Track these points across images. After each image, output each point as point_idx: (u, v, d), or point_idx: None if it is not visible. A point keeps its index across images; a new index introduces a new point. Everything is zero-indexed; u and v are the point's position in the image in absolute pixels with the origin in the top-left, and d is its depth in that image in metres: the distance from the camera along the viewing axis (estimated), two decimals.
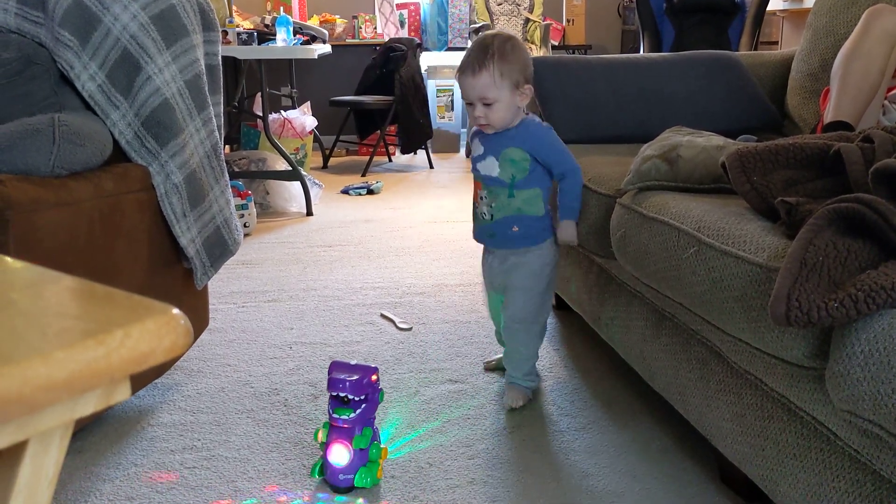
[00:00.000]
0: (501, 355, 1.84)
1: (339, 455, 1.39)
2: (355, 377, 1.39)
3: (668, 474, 1.46)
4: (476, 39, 1.63)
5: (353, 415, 1.39)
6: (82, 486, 1.43)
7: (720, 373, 1.31)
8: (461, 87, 1.60)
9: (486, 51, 1.56)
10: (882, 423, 0.86)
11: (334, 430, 1.40)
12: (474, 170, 1.69)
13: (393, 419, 1.68)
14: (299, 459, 1.52)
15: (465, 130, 5.69)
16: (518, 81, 1.58)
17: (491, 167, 1.64)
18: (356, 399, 1.39)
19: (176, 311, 0.50)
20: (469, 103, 1.61)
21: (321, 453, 1.47)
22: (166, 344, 0.48)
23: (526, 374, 1.74)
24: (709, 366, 1.34)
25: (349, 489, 1.40)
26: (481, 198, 1.69)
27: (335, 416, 1.40)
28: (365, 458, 1.41)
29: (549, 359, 2.00)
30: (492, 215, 1.67)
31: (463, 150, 5.75)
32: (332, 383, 1.39)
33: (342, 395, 1.39)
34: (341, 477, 1.39)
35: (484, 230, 1.71)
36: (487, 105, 1.57)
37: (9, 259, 0.62)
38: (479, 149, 1.67)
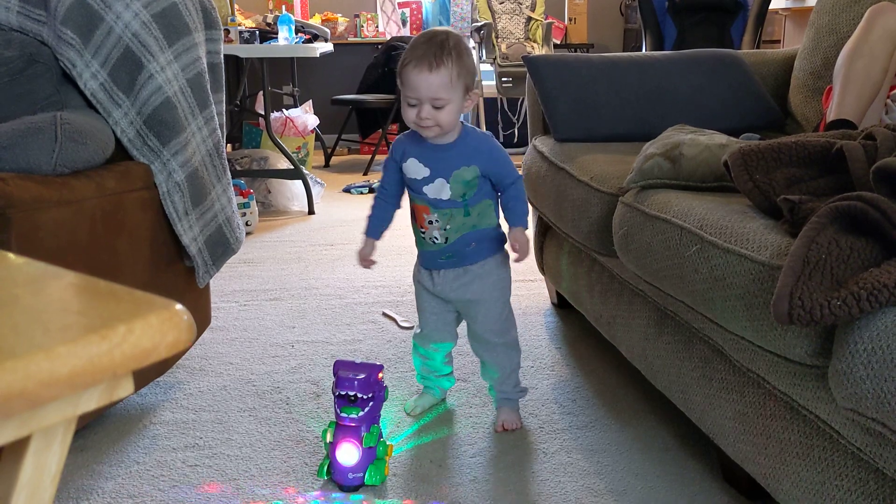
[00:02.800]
0: (421, 396, 1.73)
1: (349, 454, 1.38)
2: (363, 375, 1.39)
3: (671, 473, 1.46)
4: (426, 34, 1.46)
5: (360, 413, 1.39)
6: (84, 483, 1.44)
7: (722, 371, 1.31)
8: (411, 83, 1.41)
9: (443, 47, 1.41)
10: (885, 421, 0.86)
11: (342, 430, 1.40)
12: (419, 194, 1.51)
13: (395, 417, 1.68)
14: (301, 458, 1.52)
15: None
16: (469, 85, 1.45)
17: (440, 190, 1.49)
18: (364, 397, 1.39)
19: (179, 306, 0.50)
20: (412, 104, 1.43)
21: (324, 452, 1.47)
22: (169, 339, 0.48)
23: (515, 385, 1.66)
24: (711, 364, 1.34)
25: (358, 487, 1.40)
26: (430, 222, 1.53)
27: (343, 415, 1.39)
28: (373, 455, 1.41)
29: (550, 357, 2.00)
30: (446, 238, 1.53)
31: None
32: (340, 382, 1.39)
33: (350, 393, 1.38)
34: (350, 476, 1.39)
35: (436, 255, 1.56)
36: (438, 107, 1.41)
37: (11, 255, 0.62)
38: (421, 171, 1.50)
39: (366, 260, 1.62)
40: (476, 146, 1.50)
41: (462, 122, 1.52)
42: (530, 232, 1.59)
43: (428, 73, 1.40)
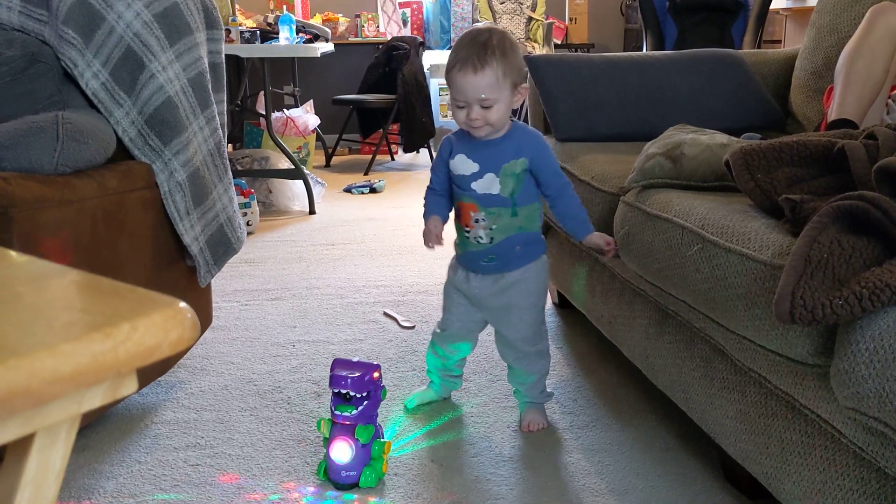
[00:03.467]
0: (425, 390, 1.73)
1: (342, 452, 1.39)
2: (357, 374, 1.39)
3: (672, 472, 1.46)
4: (469, 34, 1.46)
5: (354, 412, 1.39)
6: (86, 483, 1.44)
7: (724, 370, 1.31)
8: (458, 86, 1.42)
9: (487, 47, 1.41)
10: (887, 421, 0.86)
11: (336, 427, 1.40)
12: (467, 191, 1.50)
13: (396, 417, 1.68)
14: (302, 457, 1.52)
15: None
16: (516, 81, 1.45)
17: (490, 185, 1.48)
18: (358, 396, 1.39)
19: (182, 304, 0.50)
20: (461, 105, 1.43)
21: (325, 451, 1.47)
22: (173, 337, 0.48)
23: (542, 390, 1.66)
24: (712, 363, 1.34)
25: (352, 486, 1.40)
26: (476, 221, 1.51)
27: (337, 412, 1.40)
28: (368, 455, 1.41)
29: (551, 357, 2.00)
30: (491, 238, 1.51)
31: None
32: (334, 380, 1.39)
33: (344, 391, 1.39)
34: (344, 474, 1.39)
35: (479, 256, 1.54)
36: (486, 107, 1.42)
37: (14, 253, 0.62)
38: (469, 166, 1.49)
39: (435, 237, 1.54)
40: (525, 139, 1.49)
41: (512, 119, 1.51)
42: None
43: (473, 76, 1.40)
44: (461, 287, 1.60)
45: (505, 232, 1.51)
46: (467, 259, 1.57)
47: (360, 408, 1.40)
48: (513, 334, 1.59)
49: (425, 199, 1.60)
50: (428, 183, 1.60)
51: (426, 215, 1.58)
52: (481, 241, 1.52)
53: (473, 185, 1.50)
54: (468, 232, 1.53)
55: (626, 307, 1.69)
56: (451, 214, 1.59)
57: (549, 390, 1.68)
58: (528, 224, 1.53)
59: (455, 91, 1.43)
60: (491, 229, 1.51)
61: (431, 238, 1.55)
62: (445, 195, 1.57)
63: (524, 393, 1.65)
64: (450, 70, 1.43)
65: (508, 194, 1.48)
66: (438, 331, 1.68)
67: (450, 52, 1.46)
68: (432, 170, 1.59)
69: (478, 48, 1.41)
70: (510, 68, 1.42)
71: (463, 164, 1.50)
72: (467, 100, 1.42)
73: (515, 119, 1.53)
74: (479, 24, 1.62)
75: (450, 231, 1.56)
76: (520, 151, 1.48)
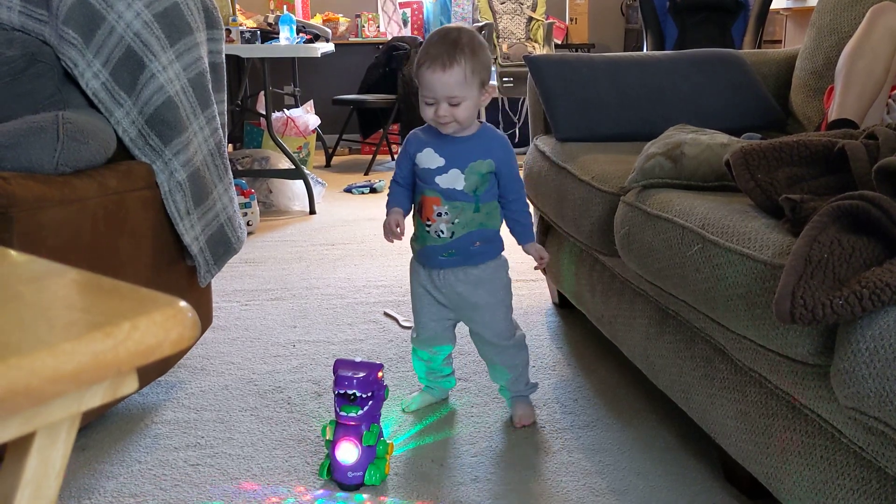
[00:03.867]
0: (422, 394, 1.74)
1: (348, 453, 1.39)
2: (362, 374, 1.39)
3: (672, 472, 1.46)
4: (439, 32, 1.48)
5: (360, 412, 1.39)
6: (86, 482, 1.44)
7: (724, 370, 1.31)
8: (427, 83, 1.44)
9: (457, 46, 1.43)
10: (887, 420, 0.86)
11: (341, 428, 1.40)
12: (430, 184, 1.52)
13: (397, 417, 1.68)
14: (303, 457, 1.52)
15: None
16: (484, 80, 1.47)
17: (454, 180, 1.50)
18: (363, 396, 1.39)
19: (183, 303, 0.50)
20: (430, 102, 1.45)
21: (326, 451, 1.47)
22: (173, 336, 0.48)
23: (527, 382, 1.68)
24: (713, 363, 1.34)
25: (358, 486, 1.40)
26: (439, 214, 1.52)
27: (342, 413, 1.39)
28: (373, 454, 1.41)
29: (552, 357, 2.00)
30: (452, 232, 1.52)
31: None
32: (340, 381, 1.39)
33: (349, 392, 1.39)
34: (350, 475, 1.39)
35: (437, 250, 1.54)
36: (454, 104, 1.44)
37: (14, 253, 0.62)
38: (435, 160, 1.51)
39: (394, 230, 1.55)
40: (494, 142, 1.53)
41: (480, 121, 1.54)
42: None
43: (442, 73, 1.42)
44: (428, 288, 1.61)
45: (466, 227, 1.52)
46: (425, 255, 1.58)
47: (365, 408, 1.40)
48: (487, 332, 1.61)
49: (389, 190, 1.62)
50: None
51: (388, 206, 1.60)
52: (442, 235, 1.53)
53: (437, 179, 1.51)
54: (429, 226, 1.54)
55: (627, 307, 1.69)
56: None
57: (534, 385, 1.70)
58: (489, 221, 1.55)
59: (424, 88, 1.45)
60: (453, 223, 1.52)
61: (390, 231, 1.56)
62: (409, 188, 1.59)
63: (509, 388, 1.66)
64: (419, 67, 1.45)
65: (471, 191, 1.51)
66: (415, 335, 1.68)
67: (420, 49, 1.49)
68: (397, 163, 1.60)
69: (447, 46, 1.43)
70: (478, 67, 1.45)
71: (429, 158, 1.52)
72: (436, 97, 1.44)
73: (485, 122, 1.57)
74: (450, 24, 1.64)
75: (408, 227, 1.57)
76: (488, 153, 1.51)
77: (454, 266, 1.56)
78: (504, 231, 1.60)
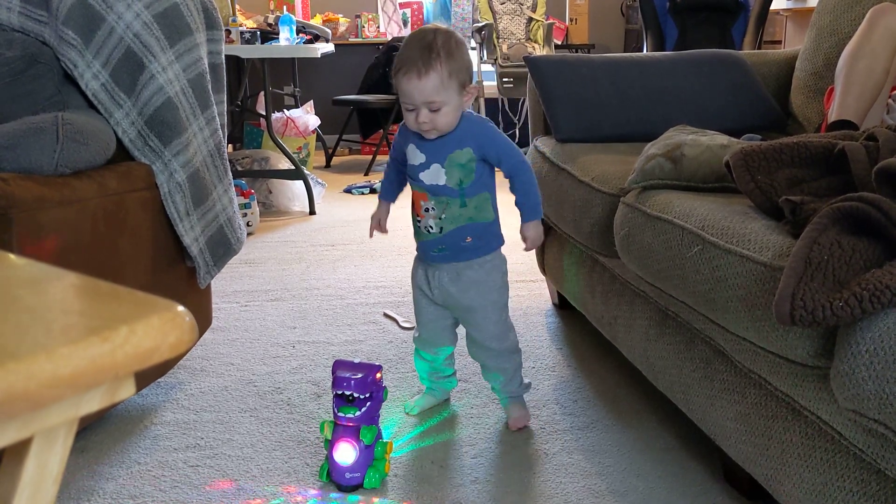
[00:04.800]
0: (424, 396, 1.73)
1: (346, 453, 1.39)
2: (360, 375, 1.39)
3: (672, 473, 1.46)
4: (415, 35, 1.45)
5: (358, 413, 1.39)
6: (85, 484, 1.44)
7: (724, 372, 1.31)
8: (404, 90, 1.41)
9: (431, 49, 1.39)
10: (887, 423, 0.86)
11: (339, 429, 1.40)
12: (416, 180, 1.51)
13: (396, 418, 1.68)
14: (302, 458, 1.52)
15: None
16: (465, 81, 1.44)
17: (436, 175, 1.48)
18: (361, 397, 1.39)
19: (180, 307, 0.50)
20: (410, 109, 1.43)
21: (325, 453, 1.47)
22: (171, 340, 0.48)
23: (520, 383, 1.66)
24: (713, 365, 1.34)
25: (356, 488, 1.40)
26: (426, 210, 1.51)
27: (340, 414, 1.39)
28: (371, 456, 1.41)
29: (551, 358, 2.00)
30: (441, 228, 1.50)
31: None
32: (337, 382, 1.39)
33: (347, 393, 1.39)
34: (348, 475, 1.39)
35: (430, 245, 1.54)
36: (434, 110, 1.42)
37: (12, 256, 0.62)
38: (417, 157, 1.49)
39: (378, 224, 1.60)
40: (468, 129, 1.48)
41: (462, 114, 1.49)
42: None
43: (418, 80, 1.39)
44: (424, 290, 1.61)
45: (454, 222, 1.51)
46: (422, 250, 1.59)
47: (363, 409, 1.40)
48: (480, 334, 1.60)
49: (385, 173, 1.65)
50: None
51: (380, 197, 1.65)
52: (431, 230, 1.52)
53: (421, 176, 1.50)
54: (420, 221, 1.54)
55: (627, 308, 1.69)
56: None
57: (526, 382, 1.69)
58: (478, 214, 1.52)
59: (402, 95, 1.43)
60: (440, 219, 1.51)
61: (376, 227, 1.60)
62: (401, 170, 1.59)
63: (502, 390, 1.66)
64: (396, 74, 1.43)
65: (455, 185, 1.48)
66: (417, 335, 1.68)
67: (397, 53, 1.46)
68: (392, 146, 1.60)
69: (422, 50, 1.40)
70: (456, 69, 1.42)
71: (413, 154, 1.51)
72: (414, 104, 1.42)
73: (467, 112, 1.52)
74: (427, 25, 1.60)
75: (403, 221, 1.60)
76: (462, 141, 1.47)
77: (446, 262, 1.55)
78: (507, 225, 1.59)
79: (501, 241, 1.59)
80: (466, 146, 1.47)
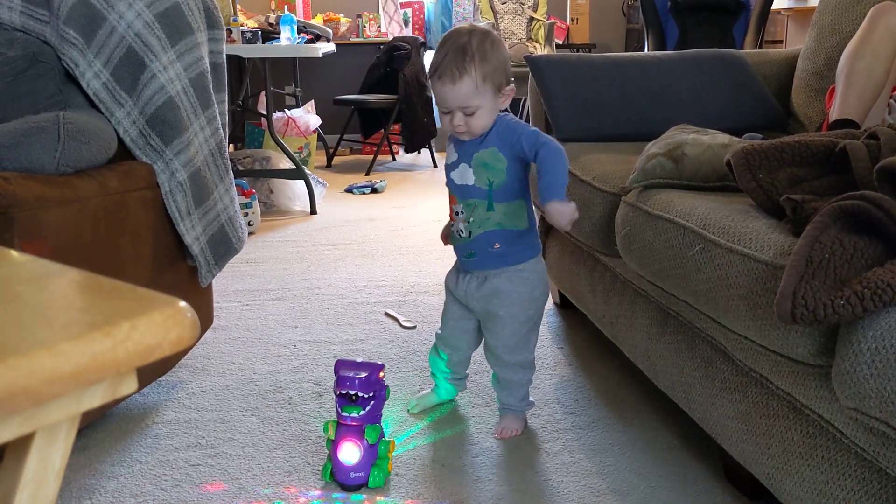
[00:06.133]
0: (427, 394, 1.72)
1: (350, 453, 1.38)
2: (364, 375, 1.39)
3: (673, 472, 1.46)
4: (450, 36, 1.44)
5: (362, 412, 1.39)
6: (86, 483, 1.44)
7: (725, 371, 1.31)
8: (438, 94, 1.42)
9: (465, 52, 1.38)
10: (888, 421, 0.86)
11: (343, 429, 1.40)
12: (448, 180, 1.51)
13: (398, 417, 1.68)
14: (303, 457, 1.52)
15: None
16: (500, 84, 1.42)
17: (464, 175, 1.48)
18: (365, 396, 1.39)
19: (182, 303, 0.50)
20: (446, 112, 1.43)
21: (327, 452, 1.47)
22: (173, 336, 0.48)
23: (522, 398, 1.62)
24: (714, 364, 1.34)
25: (360, 487, 1.40)
26: (457, 213, 1.51)
27: (344, 414, 1.39)
28: (374, 455, 1.41)
29: (553, 357, 2.00)
30: (469, 232, 1.49)
31: None
32: (341, 381, 1.39)
33: (351, 392, 1.38)
34: (352, 475, 1.39)
35: (461, 250, 1.54)
36: (469, 114, 1.41)
37: (14, 252, 0.62)
38: (451, 155, 1.50)
39: (445, 235, 1.64)
40: (494, 128, 1.46)
41: (505, 110, 1.48)
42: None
43: (452, 86, 1.39)
44: (451, 288, 1.62)
45: (482, 226, 1.49)
46: (457, 255, 1.59)
47: (366, 408, 1.39)
48: (494, 341, 1.59)
49: None
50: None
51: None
52: (461, 234, 1.52)
53: (452, 175, 1.51)
54: (452, 225, 1.56)
55: (628, 307, 1.69)
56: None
57: (530, 399, 1.65)
58: (508, 221, 1.49)
59: (437, 98, 1.44)
60: (469, 222, 1.50)
61: (442, 234, 1.63)
62: None
63: (500, 398, 1.64)
64: (430, 77, 1.43)
65: (485, 185, 1.46)
66: (438, 331, 1.69)
67: (432, 56, 1.45)
68: None
69: (456, 55, 1.39)
70: (490, 72, 1.40)
71: (449, 152, 1.53)
72: (449, 107, 1.43)
73: (507, 112, 1.49)
74: (463, 25, 1.56)
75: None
76: (487, 141, 1.46)
77: (476, 269, 1.54)
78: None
79: (536, 251, 1.56)
80: (492, 145, 1.46)
